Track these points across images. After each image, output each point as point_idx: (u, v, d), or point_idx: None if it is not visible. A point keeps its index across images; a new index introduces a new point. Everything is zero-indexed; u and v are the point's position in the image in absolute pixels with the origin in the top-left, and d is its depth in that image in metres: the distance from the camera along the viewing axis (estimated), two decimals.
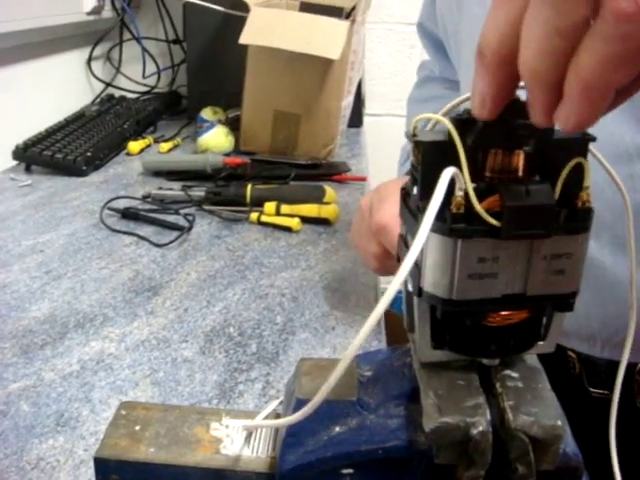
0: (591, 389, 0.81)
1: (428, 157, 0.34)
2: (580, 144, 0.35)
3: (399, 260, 0.40)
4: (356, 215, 0.82)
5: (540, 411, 0.37)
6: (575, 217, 0.34)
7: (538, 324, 0.39)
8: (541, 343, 0.40)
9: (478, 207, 0.32)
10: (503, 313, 0.37)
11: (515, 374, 0.40)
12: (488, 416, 0.37)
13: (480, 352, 0.39)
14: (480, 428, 0.36)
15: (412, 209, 0.37)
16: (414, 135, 0.35)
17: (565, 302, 0.37)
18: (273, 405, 0.48)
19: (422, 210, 0.33)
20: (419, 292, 0.36)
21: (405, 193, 0.39)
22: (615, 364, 0.77)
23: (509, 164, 0.34)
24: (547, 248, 0.34)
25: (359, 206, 0.80)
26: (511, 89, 0.33)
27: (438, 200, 0.32)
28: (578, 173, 0.34)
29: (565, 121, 0.30)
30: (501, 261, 0.34)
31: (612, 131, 0.67)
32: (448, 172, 0.32)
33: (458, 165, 0.33)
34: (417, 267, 0.36)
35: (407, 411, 0.40)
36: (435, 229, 0.34)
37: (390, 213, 0.70)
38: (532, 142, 0.34)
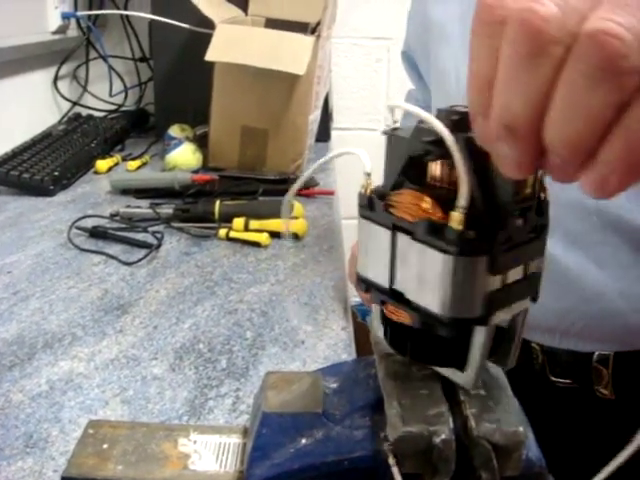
0: (553, 379, 0.84)
1: None
2: None
3: None
4: (350, 259, 0.85)
5: (502, 418, 0.38)
6: None
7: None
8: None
9: None
10: None
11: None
12: (451, 424, 0.37)
13: (440, 362, 0.39)
14: (443, 436, 0.37)
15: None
16: None
17: None
18: None
19: None
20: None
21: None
22: (574, 353, 0.80)
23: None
24: None
25: (352, 250, 0.82)
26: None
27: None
28: None
29: (600, 189, 0.29)
30: None
31: None
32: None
33: None
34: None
35: (372, 422, 0.41)
36: None
37: None
38: None
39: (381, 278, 0.39)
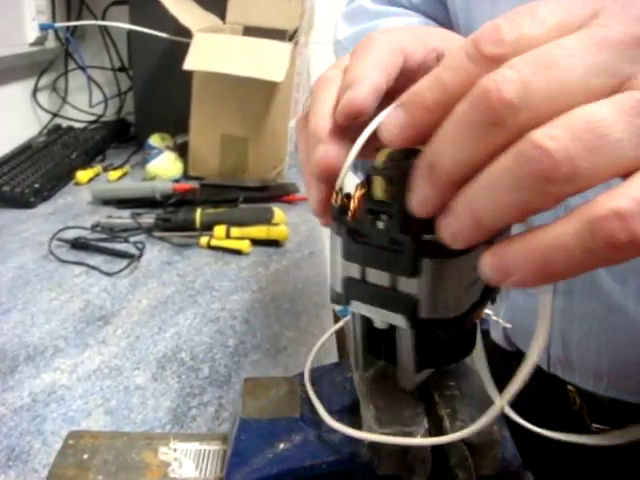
0: (592, 424, 0.77)
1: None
2: None
3: None
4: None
5: (477, 418, 0.38)
6: None
7: (472, 334, 0.41)
8: None
9: None
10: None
11: (452, 383, 0.41)
12: (426, 425, 0.38)
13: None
14: (418, 437, 0.37)
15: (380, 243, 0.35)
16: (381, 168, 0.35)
17: None
18: None
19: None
20: (417, 324, 0.35)
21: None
22: (619, 403, 0.72)
23: None
24: None
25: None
26: None
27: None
28: None
29: (452, 238, 0.30)
30: None
31: None
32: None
33: None
34: (412, 301, 0.35)
35: (349, 425, 0.41)
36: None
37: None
38: None
39: None
